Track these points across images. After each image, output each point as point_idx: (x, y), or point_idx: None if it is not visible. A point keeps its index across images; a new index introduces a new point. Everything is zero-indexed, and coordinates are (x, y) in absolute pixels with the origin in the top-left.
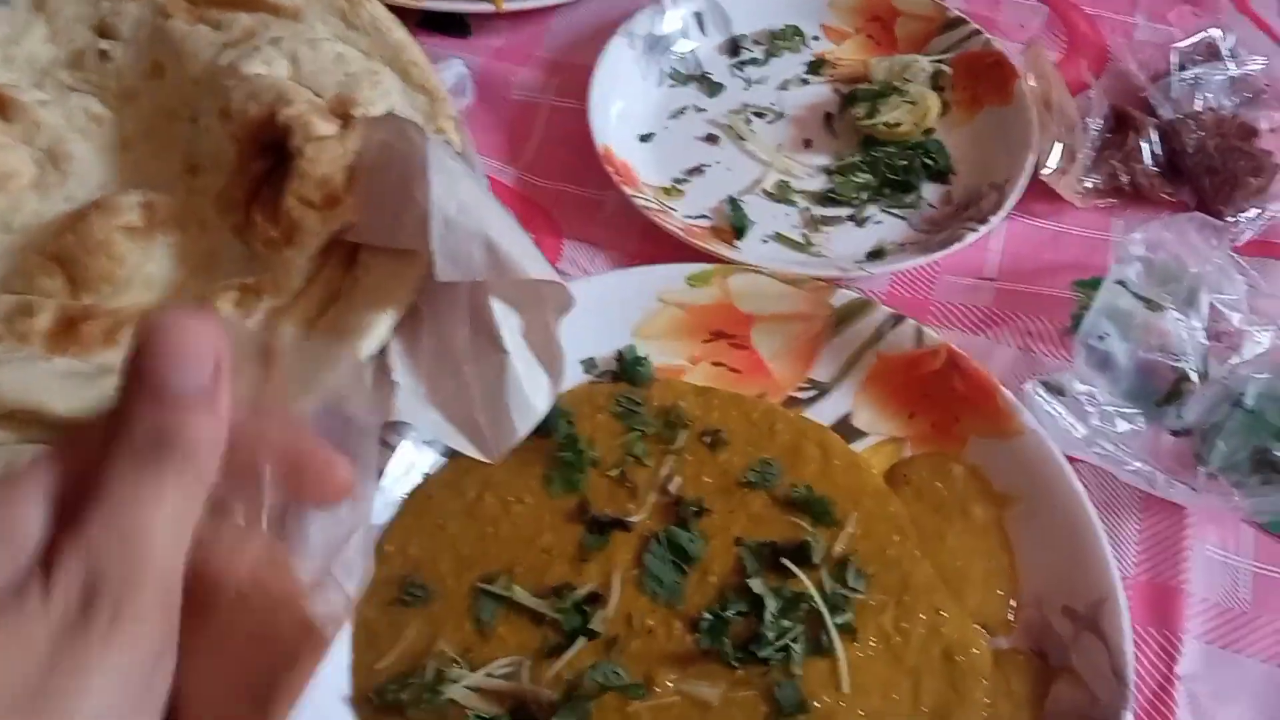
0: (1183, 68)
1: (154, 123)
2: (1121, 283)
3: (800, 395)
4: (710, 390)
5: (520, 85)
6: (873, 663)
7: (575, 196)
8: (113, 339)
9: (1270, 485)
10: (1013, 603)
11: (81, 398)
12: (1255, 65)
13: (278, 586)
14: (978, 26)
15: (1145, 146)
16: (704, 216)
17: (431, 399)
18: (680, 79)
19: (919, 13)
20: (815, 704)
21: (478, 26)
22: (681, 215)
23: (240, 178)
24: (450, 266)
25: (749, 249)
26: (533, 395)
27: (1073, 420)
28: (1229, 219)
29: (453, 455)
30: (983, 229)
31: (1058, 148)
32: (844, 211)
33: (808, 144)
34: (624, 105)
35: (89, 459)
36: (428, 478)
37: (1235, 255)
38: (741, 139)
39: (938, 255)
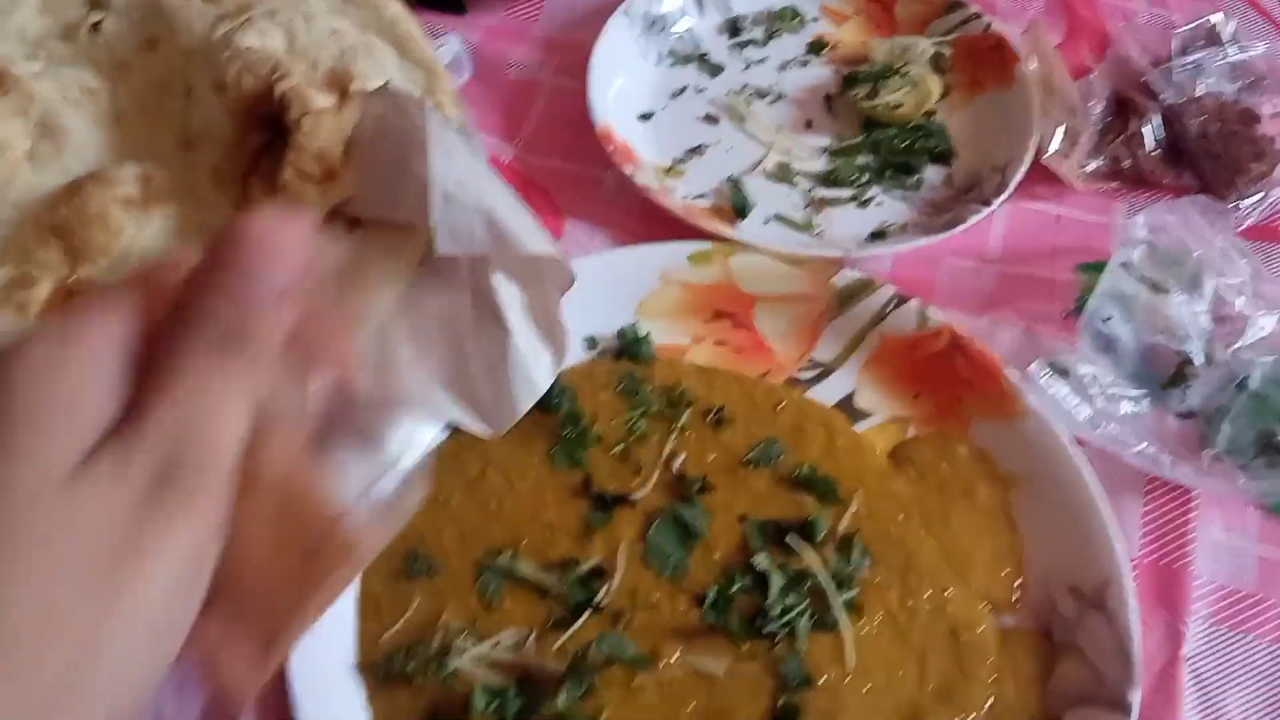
0: (1184, 52)
1: (147, 96)
2: (1125, 265)
3: (803, 375)
4: (713, 370)
5: (518, 63)
6: (878, 640)
7: (574, 175)
8: None
9: (1275, 468)
10: (1018, 582)
11: None
12: (1256, 50)
13: (310, 492)
14: (978, 10)
15: (1147, 131)
16: (704, 196)
17: (433, 373)
18: (680, 59)
19: None
20: (820, 679)
21: (473, 4)
22: (681, 195)
23: (237, 151)
24: (451, 241)
25: (750, 229)
26: (534, 371)
27: (1078, 401)
28: (1231, 204)
29: (454, 431)
30: (985, 211)
31: (1059, 131)
32: (845, 193)
33: (808, 125)
34: (623, 84)
35: (151, 333)
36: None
37: (1238, 239)
38: (742, 119)
39: (940, 237)
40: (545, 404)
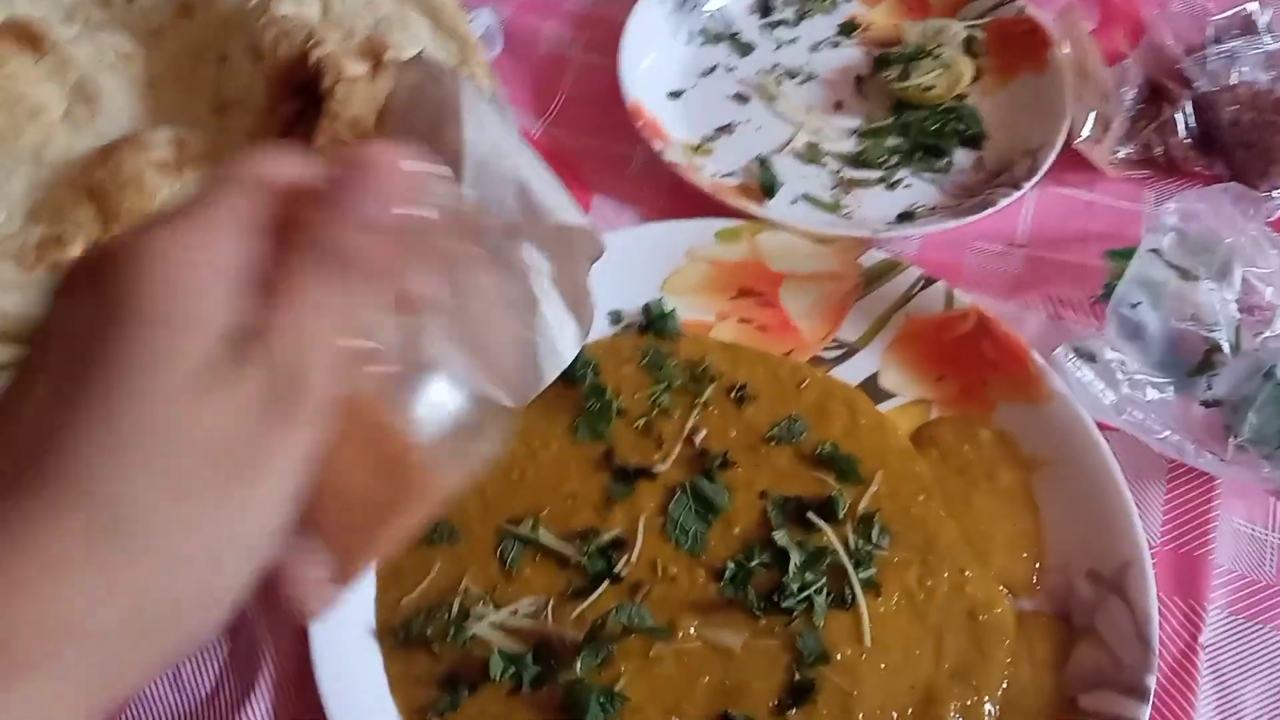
0: (1218, 41)
1: (182, 62)
2: (1155, 251)
3: (827, 355)
4: (737, 347)
5: (548, 38)
6: (896, 618)
7: (602, 151)
8: None
9: None
10: (1037, 565)
11: None
12: None
13: (392, 423)
14: None
15: (1180, 119)
16: (732, 175)
17: (459, 341)
18: (711, 37)
19: None
20: (837, 656)
21: None
22: (710, 173)
23: (270, 118)
24: (482, 209)
25: (777, 208)
26: (560, 343)
27: (1103, 387)
28: (1263, 193)
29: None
30: (1015, 194)
31: (1091, 116)
32: (874, 174)
33: (838, 106)
34: (653, 61)
35: (267, 239)
36: None
37: (1269, 229)
38: (772, 99)
39: (969, 220)
40: (570, 376)
